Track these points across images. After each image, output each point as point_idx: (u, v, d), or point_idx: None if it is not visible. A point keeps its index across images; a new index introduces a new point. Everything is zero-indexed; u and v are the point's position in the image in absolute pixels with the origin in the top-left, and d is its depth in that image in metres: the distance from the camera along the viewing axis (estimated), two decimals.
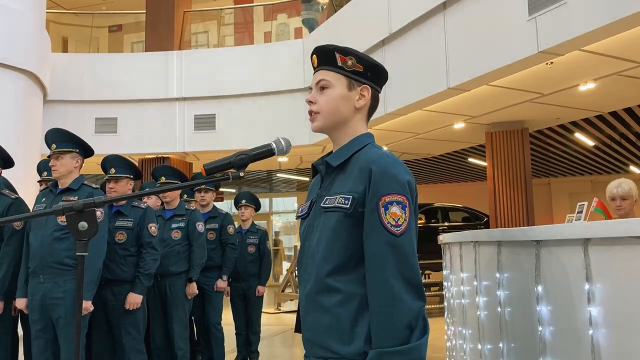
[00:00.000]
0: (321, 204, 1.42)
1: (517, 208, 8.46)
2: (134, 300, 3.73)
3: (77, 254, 1.25)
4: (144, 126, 9.68)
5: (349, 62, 1.46)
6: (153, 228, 3.95)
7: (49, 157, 3.51)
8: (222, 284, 4.96)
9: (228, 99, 9.65)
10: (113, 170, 3.96)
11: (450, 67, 6.33)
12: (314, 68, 1.53)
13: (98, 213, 3.40)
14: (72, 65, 9.76)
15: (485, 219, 11.06)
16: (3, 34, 7.34)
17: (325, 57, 1.49)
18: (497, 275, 1.72)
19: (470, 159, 12.22)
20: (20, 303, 3.41)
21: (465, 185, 16.53)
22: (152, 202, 4.87)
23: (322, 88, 1.48)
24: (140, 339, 3.86)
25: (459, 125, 8.44)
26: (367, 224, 1.33)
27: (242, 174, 1.40)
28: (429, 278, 11.57)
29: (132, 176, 4.02)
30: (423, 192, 16.55)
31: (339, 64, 1.47)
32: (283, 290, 10.55)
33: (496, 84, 6.39)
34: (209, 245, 4.90)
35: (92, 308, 3.40)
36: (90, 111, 9.62)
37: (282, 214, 18.52)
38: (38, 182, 4.48)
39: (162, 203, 4.72)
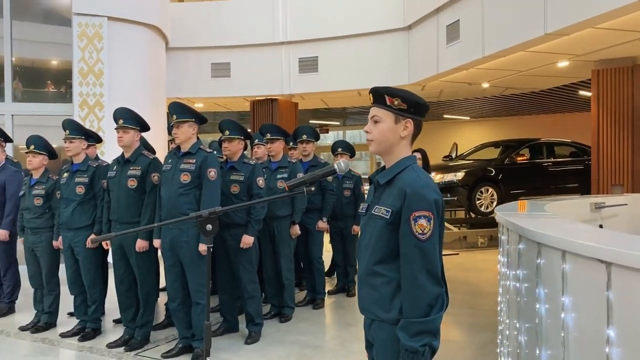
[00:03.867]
0: (372, 211, 1.94)
1: (622, 148, 8.24)
2: (247, 241, 4.52)
3: (207, 246, 1.90)
4: (253, 70, 10.40)
5: (396, 102, 1.91)
6: (261, 181, 4.66)
7: (171, 125, 4.27)
8: (322, 224, 5.66)
9: (329, 42, 10.03)
10: (227, 132, 4.68)
11: (549, 11, 6.21)
12: (371, 104, 2.00)
13: (212, 173, 4.16)
14: (188, 14, 10.59)
15: None
16: None
17: (378, 97, 1.95)
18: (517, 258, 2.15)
19: (581, 92, 11.71)
20: (157, 243, 4.31)
21: (571, 115, 15.79)
22: (261, 151, 5.56)
23: (375, 122, 1.95)
24: (254, 272, 4.69)
25: (563, 64, 8.22)
26: (402, 231, 1.83)
27: (312, 189, 1.97)
28: None
29: (242, 137, 4.72)
30: (526, 125, 16.12)
31: (388, 103, 1.92)
32: None
33: (601, 27, 6.19)
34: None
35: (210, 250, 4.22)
36: (207, 57, 10.49)
37: None
38: (169, 141, 5.34)
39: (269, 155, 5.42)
